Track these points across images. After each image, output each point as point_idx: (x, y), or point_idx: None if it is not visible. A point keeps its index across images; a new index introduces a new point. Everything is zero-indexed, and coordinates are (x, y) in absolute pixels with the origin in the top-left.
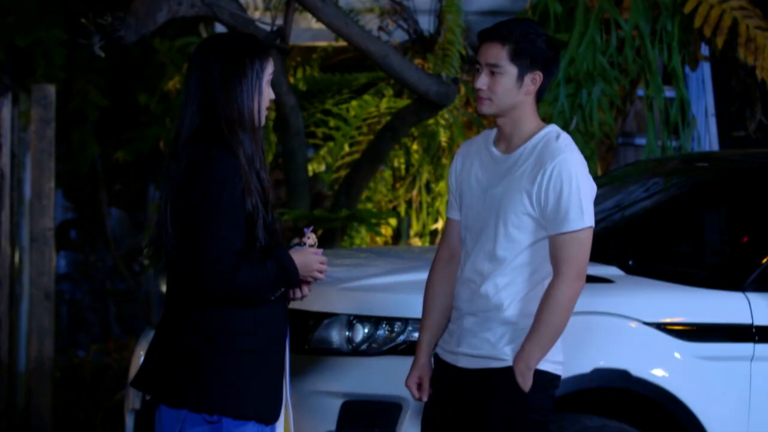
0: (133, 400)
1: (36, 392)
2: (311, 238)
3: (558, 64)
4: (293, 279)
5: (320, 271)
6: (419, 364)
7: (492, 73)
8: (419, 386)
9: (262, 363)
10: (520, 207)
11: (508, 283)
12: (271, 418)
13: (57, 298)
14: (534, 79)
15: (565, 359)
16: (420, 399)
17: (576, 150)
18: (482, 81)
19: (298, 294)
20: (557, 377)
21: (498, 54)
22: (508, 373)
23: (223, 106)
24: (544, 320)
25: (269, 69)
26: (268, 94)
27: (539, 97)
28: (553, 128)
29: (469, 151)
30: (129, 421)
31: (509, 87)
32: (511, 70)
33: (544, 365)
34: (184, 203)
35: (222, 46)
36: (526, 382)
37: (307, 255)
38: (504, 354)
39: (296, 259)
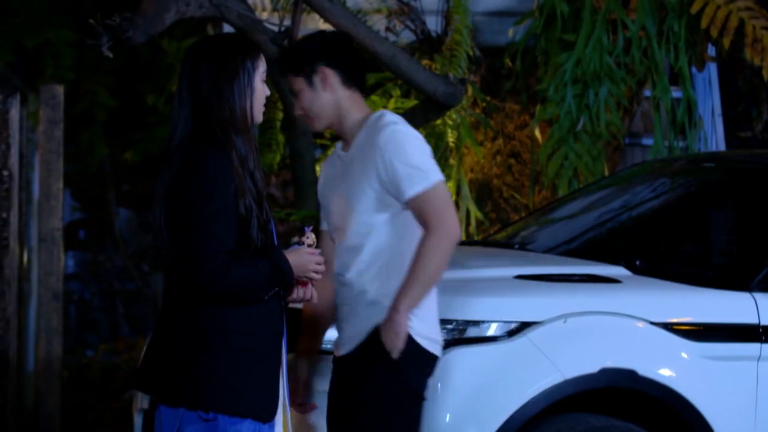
0: (142, 399)
1: (44, 392)
2: (311, 237)
3: (343, 46)
4: (288, 278)
5: (316, 272)
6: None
7: (295, 95)
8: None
9: (257, 362)
10: (365, 191)
11: (367, 268)
12: (268, 416)
13: (65, 298)
14: (322, 75)
15: (574, 359)
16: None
17: (401, 122)
18: (296, 108)
19: (301, 294)
20: (434, 357)
21: (289, 78)
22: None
23: (215, 108)
24: (414, 270)
25: (261, 67)
26: (262, 90)
27: (357, 86)
28: (378, 112)
29: (327, 164)
30: (137, 420)
31: (310, 96)
32: (300, 82)
33: (421, 340)
34: (177, 205)
35: (211, 47)
36: (397, 324)
37: (303, 255)
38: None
39: (291, 259)
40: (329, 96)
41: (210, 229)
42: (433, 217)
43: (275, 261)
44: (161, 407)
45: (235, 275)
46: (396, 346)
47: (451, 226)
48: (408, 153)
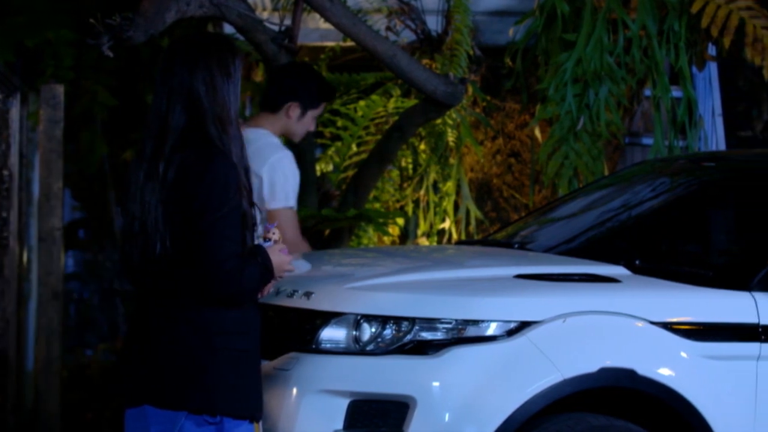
0: None
1: (44, 392)
2: (276, 233)
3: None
4: (272, 278)
5: (287, 270)
6: None
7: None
8: None
9: (252, 362)
10: None
11: None
12: (260, 416)
13: (65, 298)
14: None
15: (573, 358)
16: None
17: None
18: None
19: (265, 292)
20: None
21: None
22: None
23: (212, 106)
24: None
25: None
26: None
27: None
28: None
29: None
30: None
31: None
32: None
33: None
34: (185, 205)
35: (205, 45)
36: None
37: (279, 254)
38: None
39: (272, 258)
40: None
41: (225, 231)
42: None
43: (264, 261)
44: (150, 411)
45: (247, 277)
46: None
47: None
48: None
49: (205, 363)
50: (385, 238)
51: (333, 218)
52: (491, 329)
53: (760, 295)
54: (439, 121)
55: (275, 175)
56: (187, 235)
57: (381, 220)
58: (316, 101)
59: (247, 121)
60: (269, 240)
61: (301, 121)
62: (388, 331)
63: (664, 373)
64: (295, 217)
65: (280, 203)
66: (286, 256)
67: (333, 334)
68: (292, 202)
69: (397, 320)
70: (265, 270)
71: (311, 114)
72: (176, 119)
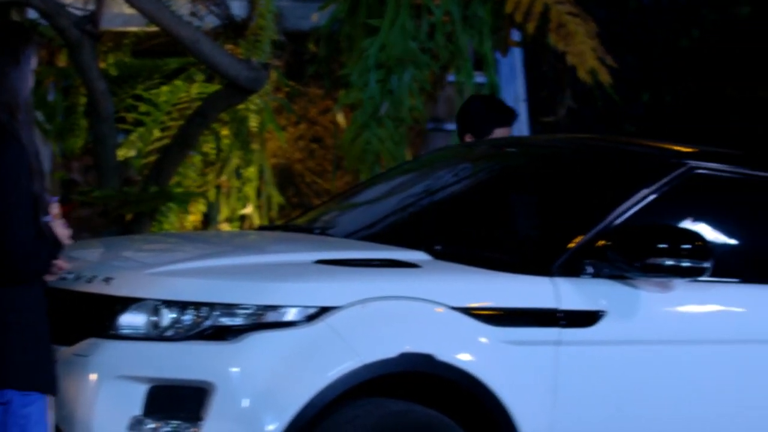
0: None
1: None
2: (56, 207)
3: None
4: (58, 254)
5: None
6: None
7: None
8: None
9: (42, 336)
10: None
11: None
12: (55, 390)
13: None
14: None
15: (372, 344)
16: None
17: None
18: None
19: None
20: None
21: None
22: None
23: (0, 93)
24: None
25: (35, 58)
26: (31, 82)
27: None
28: None
29: None
30: None
31: None
32: None
33: None
34: None
35: None
36: None
37: (60, 228)
38: None
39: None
40: None
41: (20, 217)
42: None
43: (53, 238)
44: None
45: (43, 257)
46: None
47: None
48: None
49: None
50: (187, 224)
51: (135, 199)
52: (291, 315)
53: (560, 281)
54: (242, 106)
55: None
56: None
57: (182, 200)
58: (487, 129)
59: None
60: (49, 215)
61: None
62: (188, 317)
63: (462, 359)
64: None
65: None
66: (65, 230)
67: (132, 319)
68: None
69: (197, 306)
70: (55, 247)
71: None
72: None
